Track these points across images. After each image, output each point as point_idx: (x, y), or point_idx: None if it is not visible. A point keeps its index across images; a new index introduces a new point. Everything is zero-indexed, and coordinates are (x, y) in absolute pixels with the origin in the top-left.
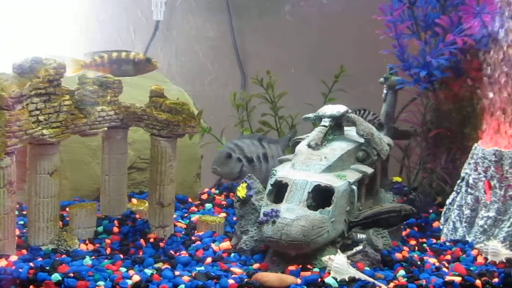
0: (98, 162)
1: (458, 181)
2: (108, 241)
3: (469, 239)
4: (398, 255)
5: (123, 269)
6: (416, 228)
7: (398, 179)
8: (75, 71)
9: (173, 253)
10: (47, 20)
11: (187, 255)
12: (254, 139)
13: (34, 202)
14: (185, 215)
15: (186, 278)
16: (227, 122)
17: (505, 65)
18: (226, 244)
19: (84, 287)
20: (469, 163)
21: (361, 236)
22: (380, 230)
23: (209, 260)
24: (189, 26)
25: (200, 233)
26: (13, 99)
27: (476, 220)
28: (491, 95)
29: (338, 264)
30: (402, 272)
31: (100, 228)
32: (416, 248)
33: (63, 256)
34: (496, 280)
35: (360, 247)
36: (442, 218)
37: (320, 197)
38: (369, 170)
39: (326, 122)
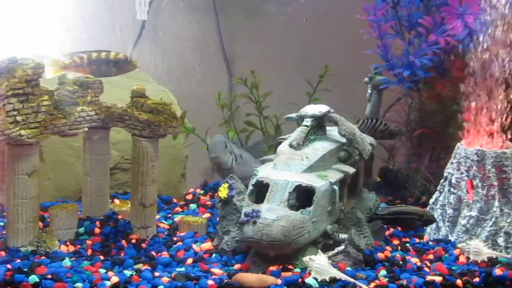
0: (82, 163)
1: (441, 181)
2: (89, 242)
3: (451, 238)
4: (380, 255)
5: (103, 270)
6: (399, 228)
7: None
8: (55, 72)
9: (154, 254)
10: (31, 20)
11: (168, 256)
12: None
13: (12, 203)
14: (169, 215)
15: (165, 279)
16: (213, 122)
17: (486, 66)
18: (207, 245)
19: None
20: (452, 163)
21: (343, 236)
22: (362, 230)
23: (190, 261)
24: (176, 26)
25: (182, 234)
26: None
27: (458, 219)
28: (473, 95)
29: (319, 264)
30: (383, 272)
31: (82, 229)
32: (399, 247)
33: (42, 257)
34: (477, 279)
35: (341, 247)
36: None
37: (304, 197)
38: (351, 170)
39: (308, 122)
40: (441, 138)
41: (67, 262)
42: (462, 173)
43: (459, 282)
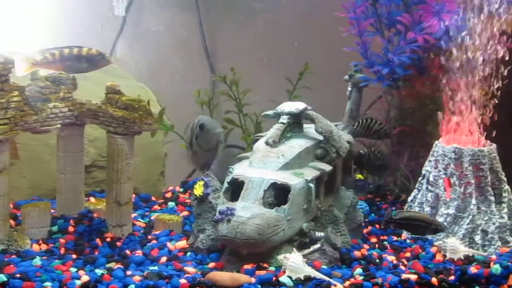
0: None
1: (420, 179)
2: (62, 241)
3: (429, 236)
4: (357, 253)
5: (73, 269)
6: (377, 226)
7: (361, 176)
8: (27, 70)
9: (128, 252)
10: (9, 16)
11: (141, 254)
12: None
13: None
14: (147, 213)
15: (137, 278)
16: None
17: (464, 64)
18: (182, 243)
19: None
20: (430, 161)
21: (319, 234)
22: (339, 228)
23: (163, 259)
24: (158, 23)
25: (157, 232)
26: None
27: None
28: (451, 93)
29: (294, 262)
30: (359, 270)
31: (55, 228)
32: (377, 245)
33: (13, 256)
34: (452, 277)
35: (317, 245)
36: None
37: (283, 195)
38: (328, 167)
39: (284, 119)
40: (420, 136)
41: (37, 261)
42: (439, 171)
43: (434, 280)
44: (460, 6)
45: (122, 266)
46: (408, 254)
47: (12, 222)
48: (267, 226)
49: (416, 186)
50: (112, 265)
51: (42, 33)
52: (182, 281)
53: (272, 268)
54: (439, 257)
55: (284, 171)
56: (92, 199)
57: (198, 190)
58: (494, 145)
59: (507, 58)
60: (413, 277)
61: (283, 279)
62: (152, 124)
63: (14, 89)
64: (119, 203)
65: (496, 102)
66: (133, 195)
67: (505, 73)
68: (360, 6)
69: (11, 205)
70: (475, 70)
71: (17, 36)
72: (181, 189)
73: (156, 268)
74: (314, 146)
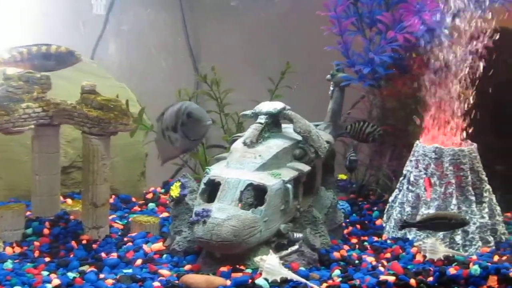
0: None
1: (401, 179)
2: (37, 243)
3: (410, 236)
4: (336, 254)
5: (45, 273)
6: (358, 226)
7: (343, 176)
8: None
9: (104, 255)
10: None
11: (116, 257)
12: None
13: None
14: (126, 215)
15: (109, 281)
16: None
17: (443, 63)
18: (158, 245)
19: None
20: (411, 160)
21: (298, 235)
22: (318, 229)
23: (139, 262)
24: (141, 21)
25: (133, 234)
26: None
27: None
28: (431, 92)
29: (270, 264)
30: (337, 271)
31: (30, 230)
32: (357, 246)
33: None
34: (431, 279)
35: (295, 247)
36: (385, 215)
37: (262, 196)
38: (306, 168)
39: (262, 119)
40: (402, 136)
41: (8, 265)
42: (420, 171)
43: (412, 281)
44: (440, 5)
45: (95, 269)
46: (388, 255)
47: None
48: (243, 227)
49: (397, 186)
50: (85, 268)
51: (21, 33)
52: (156, 284)
53: (248, 270)
54: (419, 257)
55: (261, 171)
56: (69, 200)
57: (175, 191)
58: (474, 145)
59: (487, 57)
60: (391, 278)
61: (259, 281)
62: (128, 124)
63: None
64: (95, 204)
65: (477, 101)
66: (113, 196)
67: (486, 72)
68: (341, 5)
69: None
70: (455, 70)
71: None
72: (163, 190)
73: (130, 271)
74: (292, 146)
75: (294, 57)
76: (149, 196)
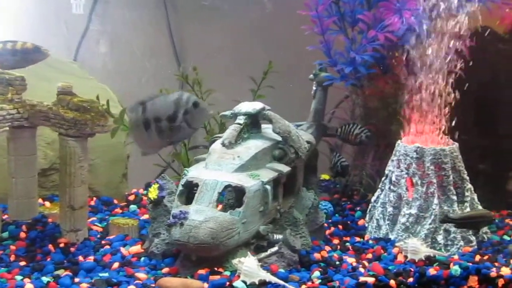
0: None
1: (383, 178)
2: (13, 247)
3: (392, 236)
4: (317, 255)
5: (19, 277)
6: (340, 227)
7: (326, 176)
8: None
9: (81, 258)
10: None
11: (92, 260)
12: None
13: None
14: (106, 217)
15: (84, 285)
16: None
17: (423, 63)
18: (136, 248)
19: None
20: (392, 160)
21: (278, 236)
22: (299, 230)
23: (116, 265)
24: (124, 21)
25: (111, 237)
26: None
27: (398, 217)
28: (412, 92)
29: (248, 267)
30: (317, 273)
31: (6, 234)
32: (338, 247)
33: None
34: (411, 279)
35: (275, 248)
36: (367, 216)
37: (242, 197)
38: (286, 168)
39: (241, 119)
40: (385, 135)
41: None
42: (402, 171)
43: (392, 282)
44: (421, 4)
45: (70, 273)
46: (370, 256)
47: None
48: (220, 229)
49: (379, 186)
50: (61, 272)
51: (2, 33)
52: (131, 287)
53: (227, 273)
54: (400, 258)
55: (240, 173)
56: (47, 203)
57: (153, 193)
58: (456, 144)
59: (469, 56)
60: (371, 280)
61: (237, 284)
62: (105, 126)
63: None
64: (73, 207)
65: (459, 101)
66: (94, 198)
67: (468, 71)
68: (322, 4)
69: None
70: (436, 69)
71: None
72: (145, 192)
73: (106, 274)
74: (272, 147)
75: (278, 57)
76: (132, 198)
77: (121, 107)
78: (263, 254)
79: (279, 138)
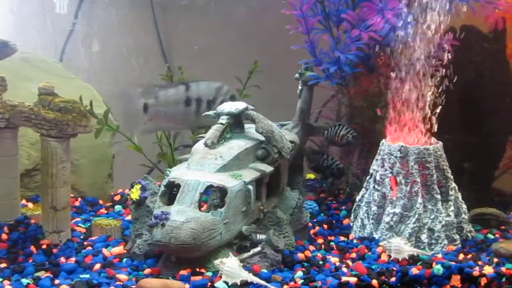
0: None
1: (367, 178)
2: None
3: (376, 236)
4: (300, 255)
5: None
6: (325, 226)
7: (312, 176)
8: None
9: (63, 260)
10: None
11: (74, 262)
12: None
13: None
14: (91, 218)
15: (64, 287)
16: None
17: (407, 62)
18: (118, 249)
19: None
20: (377, 159)
21: (261, 237)
22: (282, 230)
23: (97, 266)
24: (111, 20)
25: (94, 238)
26: None
27: (383, 216)
28: (396, 91)
29: (229, 267)
30: (300, 273)
31: None
32: (323, 246)
33: None
34: (393, 279)
35: (258, 249)
36: (352, 215)
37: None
38: (269, 168)
39: (223, 119)
40: (370, 135)
41: None
42: (386, 170)
43: (374, 282)
44: (404, 4)
45: (51, 275)
46: (354, 255)
47: None
48: (202, 230)
49: (364, 185)
50: (41, 274)
51: None
52: None
53: (209, 274)
54: (384, 257)
55: (222, 173)
56: (30, 204)
57: (135, 193)
58: (440, 143)
59: (454, 56)
60: (353, 279)
61: (219, 284)
62: (87, 126)
63: None
64: (55, 208)
65: (444, 100)
66: (79, 199)
67: (452, 70)
68: (306, 4)
69: None
70: (420, 68)
71: None
72: (130, 192)
73: (87, 276)
74: (255, 147)
75: (265, 56)
76: (117, 198)
77: (106, 107)
78: (245, 255)
79: (262, 138)
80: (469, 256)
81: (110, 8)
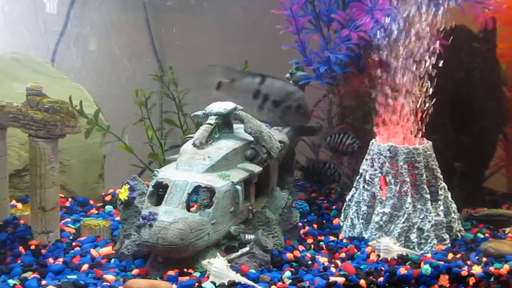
0: None
1: (357, 177)
2: None
3: (365, 235)
4: (289, 255)
5: None
6: (315, 226)
7: None
8: None
9: (52, 260)
10: None
11: (61, 262)
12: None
13: None
14: (81, 218)
15: (51, 287)
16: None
17: (395, 62)
18: (107, 249)
19: None
20: (366, 159)
21: (249, 237)
22: (271, 230)
23: (85, 267)
24: (103, 21)
25: (82, 238)
26: None
27: (372, 216)
28: (385, 91)
29: (217, 267)
30: (288, 273)
31: None
32: (312, 246)
33: None
34: (381, 279)
35: (246, 249)
36: (342, 214)
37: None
38: (257, 169)
39: (212, 120)
40: (360, 134)
41: None
42: (375, 170)
43: (362, 282)
44: (393, 4)
45: (38, 276)
46: (343, 255)
47: None
48: (189, 230)
49: (354, 185)
50: (28, 274)
51: None
52: None
53: (197, 274)
54: (373, 257)
55: (210, 173)
56: (19, 205)
57: (123, 194)
58: (429, 143)
59: (444, 56)
60: (341, 279)
61: (206, 285)
62: (75, 127)
63: None
64: (44, 209)
65: (435, 99)
66: (69, 199)
67: (442, 70)
68: (296, 4)
69: None
70: (410, 68)
71: None
72: None
73: (74, 277)
74: (243, 147)
75: (257, 55)
76: (108, 198)
77: (97, 107)
78: (233, 255)
79: (251, 138)
80: (458, 255)
81: (102, 8)
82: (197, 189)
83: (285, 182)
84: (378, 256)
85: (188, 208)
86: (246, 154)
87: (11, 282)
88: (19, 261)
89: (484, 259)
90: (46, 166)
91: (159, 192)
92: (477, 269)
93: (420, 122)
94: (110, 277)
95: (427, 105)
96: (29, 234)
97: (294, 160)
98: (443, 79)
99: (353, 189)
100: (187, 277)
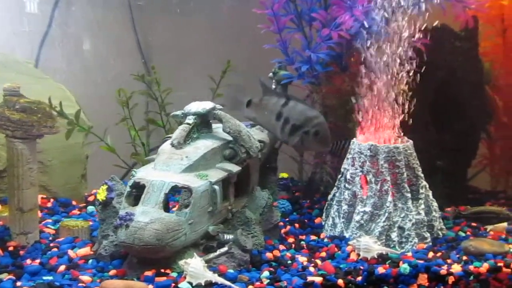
0: None
1: (339, 176)
2: None
3: (346, 235)
4: (269, 255)
5: None
6: (296, 225)
7: (285, 175)
8: None
9: (29, 261)
10: None
11: (38, 263)
12: None
13: None
14: (62, 219)
15: None
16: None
17: (375, 61)
18: (85, 250)
19: None
20: (347, 158)
21: (228, 237)
22: (251, 229)
23: (62, 268)
24: (88, 20)
25: (60, 239)
26: None
27: (353, 215)
28: (366, 90)
29: (194, 268)
30: (266, 273)
31: None
32: (293, 246)
33: None
34: (359, 278)
35: (224, 249)
36: (324, 214)
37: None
38: (236, 168)
39: (190, 119)
40: (343, 133)
41: None
42: (356, 169)
43: (340, 282)
44: (374, 2)
45: (14, 277)
46: (323, 254)
47: None
48: (166, 231)
49: (336, 184)
50: (4, 276)
51: None
52: None
53: (174, 274)
54: (353, 256)
55: (188, 173)
56: None
57: (101, 194)
58: (410, 142)
59: (427, 55)
60: (318, 279)
61: (183, 285)
62: (53, 127)
63: None
64: (21, 210)
65: (417, 98)
66: (51, 200)
67: (424, 69)
68: (277, 3)
69: None
70: (392, 67)
71: None
72: None
73: (50, 278)
74: (222, 147)
75: (243, 55)
76: (91, 198)
77: (79, 107)
78: (211, 255)
79: (230, 138)
80: (439, 254)
81: (88, 8)
82: (174, 189)
83: (268, 182)
84: (358, 255)
85: (166, 208)
86: (225, 154)
87: None
88: None
89: (464, 258)
90: (23, 167)
91: (135, 193)
92: (456, 268)
93: (402, 121)
94: (86, 278)
95: (409, 104)
96: (8, 235)
97: (277, 159)
98: (426, 78)
99: (335, 188)
100: (164, 278)
